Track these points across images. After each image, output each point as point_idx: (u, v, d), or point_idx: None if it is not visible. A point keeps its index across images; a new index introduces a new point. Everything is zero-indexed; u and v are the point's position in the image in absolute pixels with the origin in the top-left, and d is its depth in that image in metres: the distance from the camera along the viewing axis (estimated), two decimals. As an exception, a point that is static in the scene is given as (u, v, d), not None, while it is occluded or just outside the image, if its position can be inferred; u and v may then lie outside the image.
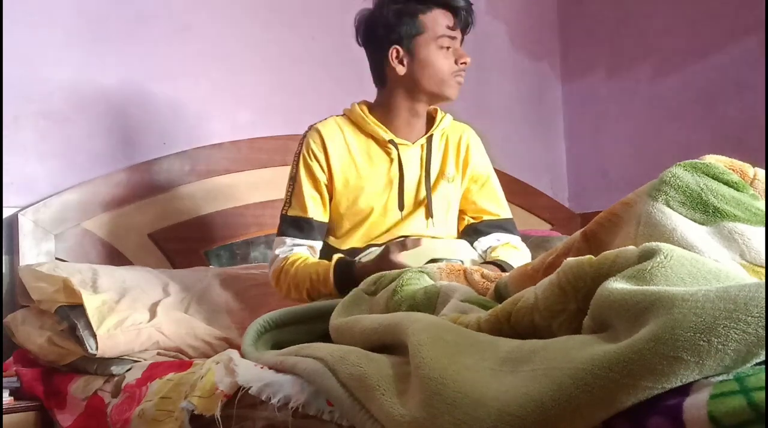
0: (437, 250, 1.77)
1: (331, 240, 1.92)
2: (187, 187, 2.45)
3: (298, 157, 1.91)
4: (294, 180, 1.91)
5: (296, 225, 1.88)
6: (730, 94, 2.82)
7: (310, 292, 1.80)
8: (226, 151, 2.53)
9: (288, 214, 1.90)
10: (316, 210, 1.89)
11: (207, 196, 2.47)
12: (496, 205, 1.98)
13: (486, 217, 1.96)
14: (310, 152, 1.89)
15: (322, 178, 1.88)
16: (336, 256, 1.81)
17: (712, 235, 1.01)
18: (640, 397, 0.68)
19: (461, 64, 1.86)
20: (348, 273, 1.75)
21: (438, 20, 1.84)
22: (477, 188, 1.97)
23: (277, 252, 1.88)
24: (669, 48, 3.04)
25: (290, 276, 1.82)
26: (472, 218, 1.97)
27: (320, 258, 1.90)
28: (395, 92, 1.89)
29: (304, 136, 1.93)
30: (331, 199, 1.90)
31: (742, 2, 2.78)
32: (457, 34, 1.86)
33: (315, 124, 1.93)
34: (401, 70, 1.85)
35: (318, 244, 1.90)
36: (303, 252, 1.87)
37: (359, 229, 1.88)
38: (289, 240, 1.88)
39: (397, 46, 1.85)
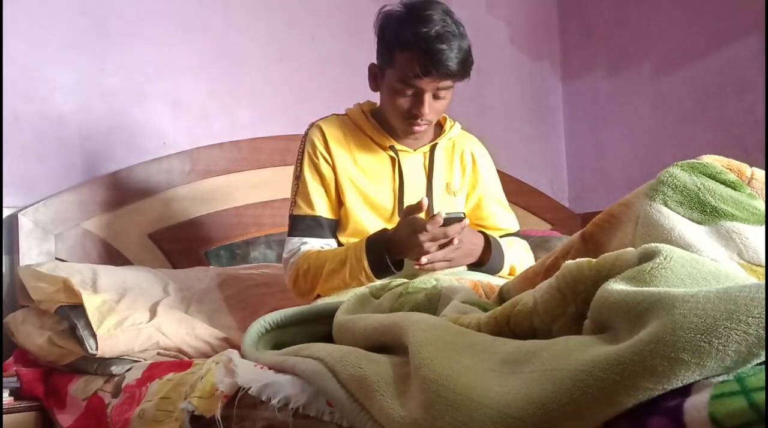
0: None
1: (342, 239, 1.84)
2: (187, 187, 2.45)
3: (302, 155, 1.84)
4: (299, 178, 1.82)
5: (304, 224, 1.79)
6: (730, 93, 2.81)
7: (331, 279, 1.68)
8: (226, 151, 2.53)
9: (295, 214, 1.81)
10: (324, 207, 1.81)
11: (207, 196, 2.47)
12: (507, 219, 1.96)
13: (502, 234, 1.90)
14: (314, 148, 1.82)
15: (329, 174, 1.81)
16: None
17: (709, 235, 1.01)
18: (640, 398, 0.68)
19: (412, 116, 1.72)
20: (379, 246, 1.64)
21: (408, 63, 1.67)
22: (488, 202, 1.93)
23: (285, 255, 1.80)
24: (669, 47, 3.04)
25: (306, 270, 1.72)
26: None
27: None
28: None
29: (306, 133, 1.86)
30: (338, 197, 1.81)
31: (742, 2, 2.78)
32: (426, 85, 1.68)
33: (317, 121, 1.87)
34: (372, 86, 1.82)
35: (331, 243, 1.81)
36: (314, 247, 1.78)
37: (363, 232, 1.78)
38: (296, 240, 1.79)
39: (377, 63, 1.79)
